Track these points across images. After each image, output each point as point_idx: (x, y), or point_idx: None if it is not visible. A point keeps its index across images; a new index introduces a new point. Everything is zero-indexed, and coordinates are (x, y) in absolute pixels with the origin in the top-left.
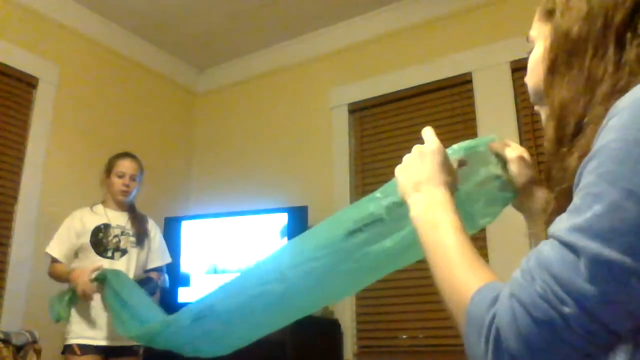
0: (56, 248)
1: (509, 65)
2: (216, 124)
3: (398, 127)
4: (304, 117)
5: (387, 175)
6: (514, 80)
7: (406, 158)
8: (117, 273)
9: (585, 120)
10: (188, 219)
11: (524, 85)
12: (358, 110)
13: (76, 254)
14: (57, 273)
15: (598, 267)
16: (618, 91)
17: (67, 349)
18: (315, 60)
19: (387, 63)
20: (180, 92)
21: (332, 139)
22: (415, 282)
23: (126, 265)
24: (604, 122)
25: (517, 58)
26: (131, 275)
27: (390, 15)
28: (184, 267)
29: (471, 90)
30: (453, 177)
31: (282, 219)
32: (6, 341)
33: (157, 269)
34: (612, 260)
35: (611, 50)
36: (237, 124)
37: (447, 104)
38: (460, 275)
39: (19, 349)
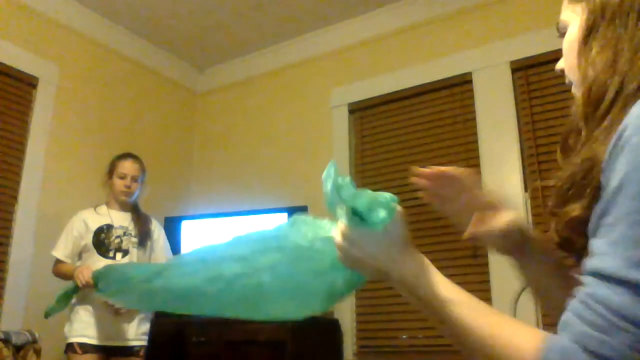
0: (61, 250)
1: (509, 65)
2: (216, 123)
3: (398, 126)
4: (305, 116)
5: (386, 175)
6: (514, 80)
7: (340, 257)
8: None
9: (619, 95)
10: (188, 218)
11: (523, 85)
12: (358, 110)
13: (80, 254)
14: (62, 271)
15: None
16: None
17: (69, 348)
18: (315, 60)
19: (388, 63)
20: (181, 91)
21: (332, 138)
22: None
23: None
24: (620, 131)
25: (517, 58)
26: None
27: (390, 15)
28: None
29: (471, 90)
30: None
31: (282, 219)
32: (6, 341)
33: None
34: None
35: None
36: (237, 124)
37: (447, 104)
38: (506, 340)
39: (18, 348)
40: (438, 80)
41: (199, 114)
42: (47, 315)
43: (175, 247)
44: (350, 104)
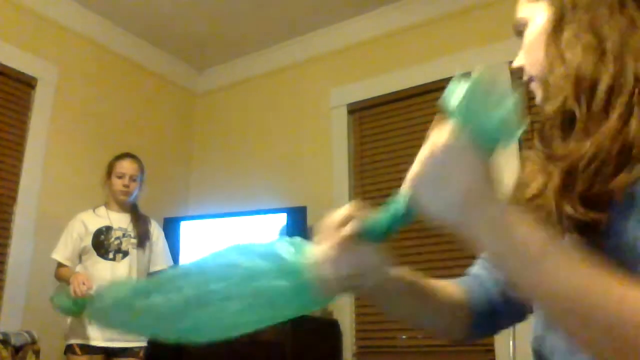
0: (60, 252)
1: (507, 65)
2: (215, 124)
3: (397, 127)
4: (303, 117)
5: (385, 175)
6: (512, 80)
7: (425, 162)
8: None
9: (614, 85)
10: (187, 219)
11: (522, 85)
12: (357, 110)
13: (80, 256)
14: (61, 277)
15: None
16: None
17: (68, 349)
18: (314, 61)
19: (387, 63)
20: (180, 92)
21: (332, 139)
22: None
23: (127, 266)
24: None
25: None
26: (133, 276)
27: (389, 16)
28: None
29: None
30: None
31: (281, 219)
32: (5, 342)
33: (161, 272)
34: None
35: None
36: (236, 125)
37: None
38: (616, 296)
39: (17, 349)
40: (437, 81)
41: (198, 115)
42: (53, 302)
43: (174, 248)
44: (349, 105)
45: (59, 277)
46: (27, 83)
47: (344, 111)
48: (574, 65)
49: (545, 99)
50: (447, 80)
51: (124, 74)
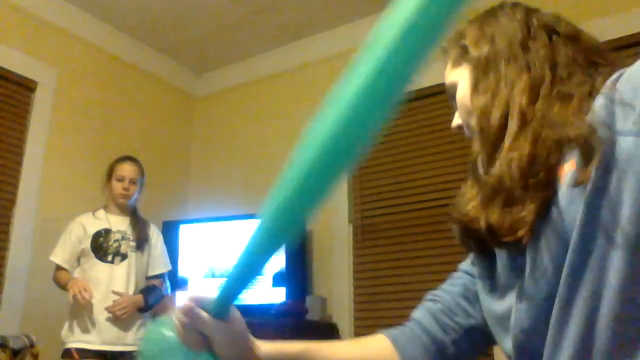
0: (59, 255)
1: None
2: (214, 127)
3: (397, 131)
4: (303, 121)
5: (385, 179)
6: None
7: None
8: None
9: (504, 117)
10: (186, 222)
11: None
12: None
13: (78, 259)
14: (58, 281)
15: None
16: (537, 86)
17: (66, 354)
18: (313, 65)
19: None
20: (179, 95)
21: None
22: (414, 287)
23: (126, 269)
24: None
25: None
26: (132, 280)
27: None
28: (182, 271)
29: None
30: None
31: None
32: (3, 345)
33: (159, 276)
34: None
35: (520, 56)
36: (235, 128)
37: (446, 108)
38: None
39: (16, 353)
40: (436, 85)
41: (197, 118)
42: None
43: (173, 252)
44: None
45: (57, 281)
46: (27, 86)
47: None
48: (479, 108)
49: (472, 140)
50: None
51: (123, 77)
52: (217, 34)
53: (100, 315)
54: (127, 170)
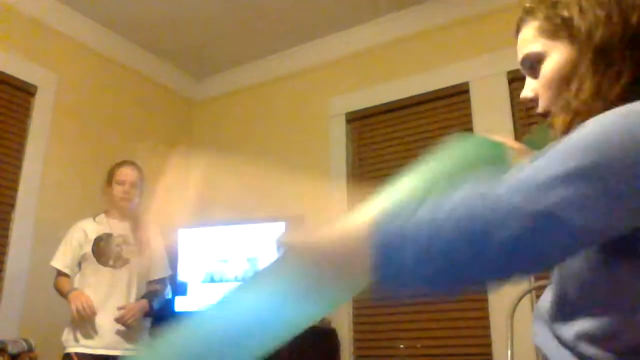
0: (60, 260)
1: (505, 75)
2: (214, 132)
3: (395, 136)
4: (301, 126)
5: (384, 184)
6: (511, 91)
7: None
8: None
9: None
10: (185, 227)
11: (520, 95)
12: (356, 119)
13: (79, 264)
14: (59, 288)
15: None
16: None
17: (66, 358)
18: (312, 70)
19: (385, 73)
20: (178, 100)
21: (330, 148)
22: None
23: (128, 274)
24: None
25: (514, 68)
26: (133, 284)
27: (387, 25)
28: (181, 275)
29: (468, 100)
30: None
31: (279, 228)
32: (2, 349)
33: (161, 280)
34: None
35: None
36: (234, 133)
37: (444, 114)
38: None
39: (14, 357)
40: (435, 90)
41: (196, 123)
42: None
43: (171, 256)
44: (347, 114)
45: (58, 288)
46: (27, 91)
47: (342, 120)
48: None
49: (552, 116)
50: (445, 90)
51: (123, 82)
52: (216, 39)
53: (102, 319)
54: (127, 174)
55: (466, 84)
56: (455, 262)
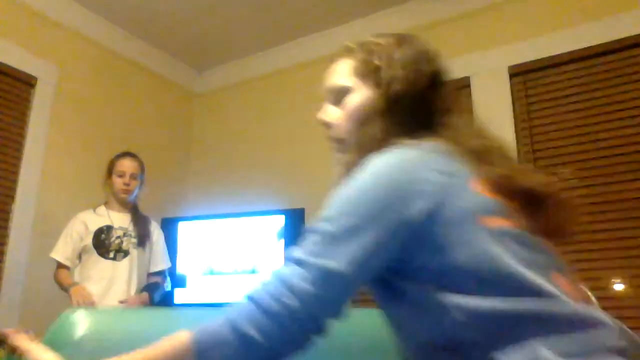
0: (60, 252)
1: (506, 69)
2: (214, 125)
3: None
4: (303, 119)
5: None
6: (511, 85)
7: None
8: None
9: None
10: (185, 220)
11: (521, 90)
12: None
13: (79, 256)
14: (59, 281)
15: None
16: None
17: None
18: (313, 63)
19: None
20: (179, 92)
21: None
22: None
23: (128, 266)
24: None
25: (515, 63)
26: (133, 276)
27: (387, 20)
28: (181, 268)
29: (469, 94)
30: None
31: (279, 221)
32: (1, 342)
33: (160, 273)
34: None
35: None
36: (235, 125)
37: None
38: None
39: (14, 349)
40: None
41: (197, 115)
42: None
43: (172, 249)
44: None
45: (58, 281)
46: (27, 82)
47: None
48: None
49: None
50: (456, 82)
51: (124, 73)
52: (217, 32)
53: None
54: (127, 165)
55: (467, 78)
56: None
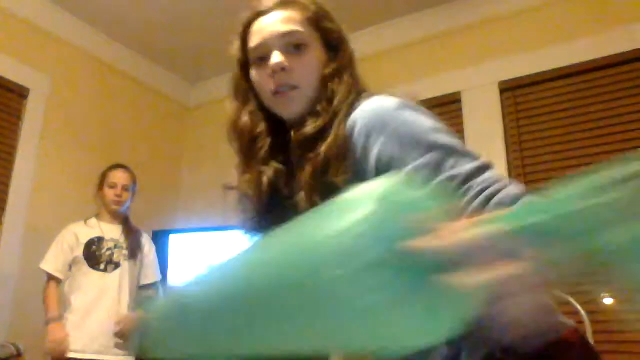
0: (50, 263)
1: (497, 85)
2: (207, 137)
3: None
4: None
5: None
6: (502, 100)
7: None
8: None
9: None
10: (176, 232)
11: (511, 105)
12: None
13: (70, 267)
14: (45, 302)
15: None
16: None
17: None
18: None
19: (377, 81)
20: (172, 105)
21: None
22: None
23: (118, 278)
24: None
25: (505, 78)
26: (124, 288)
27: (378, 35)
28: (172, 280)
29: (460, 109)
30: None
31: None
32: None
33: (152, 285)
34: None
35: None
36: (227, 138)
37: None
38: None
39: None
40: (427, 99)
41: (189, 128)
42: None
43: (162, 261)
44: None
45: (44, 302)
46: (19, 93)
47: None
48: (339, 100)
49: (305, 115)
50: (437, 99)
51: (116, 85)
52: (211, 44)
53: (92, 324)
54: (119, 177)
55: (458, 93)
56: None
